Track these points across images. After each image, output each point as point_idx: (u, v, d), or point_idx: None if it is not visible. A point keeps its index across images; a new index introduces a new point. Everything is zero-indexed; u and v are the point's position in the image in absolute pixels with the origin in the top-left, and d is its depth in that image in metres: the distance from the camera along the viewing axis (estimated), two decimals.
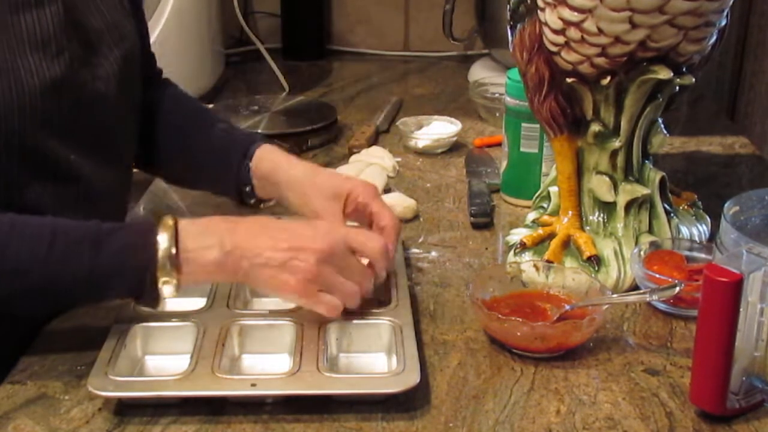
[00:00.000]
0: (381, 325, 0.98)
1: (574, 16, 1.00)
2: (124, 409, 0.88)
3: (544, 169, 1.30)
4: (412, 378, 0.88)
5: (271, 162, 1.15)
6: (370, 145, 1.52)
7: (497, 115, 1.60)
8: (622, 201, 1.10)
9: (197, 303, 1.01)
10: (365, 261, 0.99)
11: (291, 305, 1.00)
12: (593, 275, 1.06)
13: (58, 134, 0.99)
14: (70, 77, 0.99)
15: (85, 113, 1.03)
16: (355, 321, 0.98)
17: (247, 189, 1.16)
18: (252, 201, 1.17)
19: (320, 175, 1.13)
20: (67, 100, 0.99)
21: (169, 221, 0.92)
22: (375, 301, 1.01)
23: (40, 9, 0.97)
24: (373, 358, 0.97)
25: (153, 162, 1.24)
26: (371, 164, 1.40)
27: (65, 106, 0.99)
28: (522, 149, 1.31)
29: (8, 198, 0.96)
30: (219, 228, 0.94)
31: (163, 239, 0.90)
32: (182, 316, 0.99)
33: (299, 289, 0.94)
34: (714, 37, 1.06)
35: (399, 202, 1.28)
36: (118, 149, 1.12)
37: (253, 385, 0.88)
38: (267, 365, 0.96)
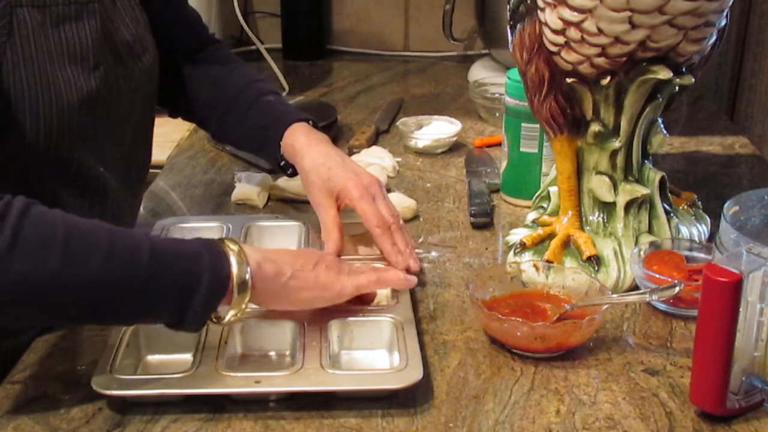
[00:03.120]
0: (382, 322, 0.98)
1: (574, 16, 1.00)
2: (125, 408, 0.88)
3: (544, 169, 1.30)
4: (415, 374, 0.89)
5: (292, 147, 1.16)
6: (370, 145, 1.52)
7: (497, 115, 1.60)
8: (621, 201, 1.11)
9: None
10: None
11: None
12: (593, 275, 1.06)
13: (90, 148, 1.00)
14: (104, 91, 1.00)
15: (114, 127, 1.05)
16: (356, 318, 0.98)
17: (282, 163, 1.18)
18: (289, 172, 1.19)
19: (321, 168, 1.12)
20: (100, 113, 1.00)
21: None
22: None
23: (79, 23, 0.98)
24: (375, 355, 0.97)
25: (199, 124, 1.32)
26: (371, 164, 1.40)
27: (98, 119, 1.00)
28: (522, 149, 1.31)
29: None
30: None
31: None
32: None
33: (337, 273, 0.97)
34: (714, 37, 1.06)
35: (399, 202, 1.28)
36: (138, 163, 1.16)
37: (258, 382, 0.88)
38: (269, 363, 0.96)
